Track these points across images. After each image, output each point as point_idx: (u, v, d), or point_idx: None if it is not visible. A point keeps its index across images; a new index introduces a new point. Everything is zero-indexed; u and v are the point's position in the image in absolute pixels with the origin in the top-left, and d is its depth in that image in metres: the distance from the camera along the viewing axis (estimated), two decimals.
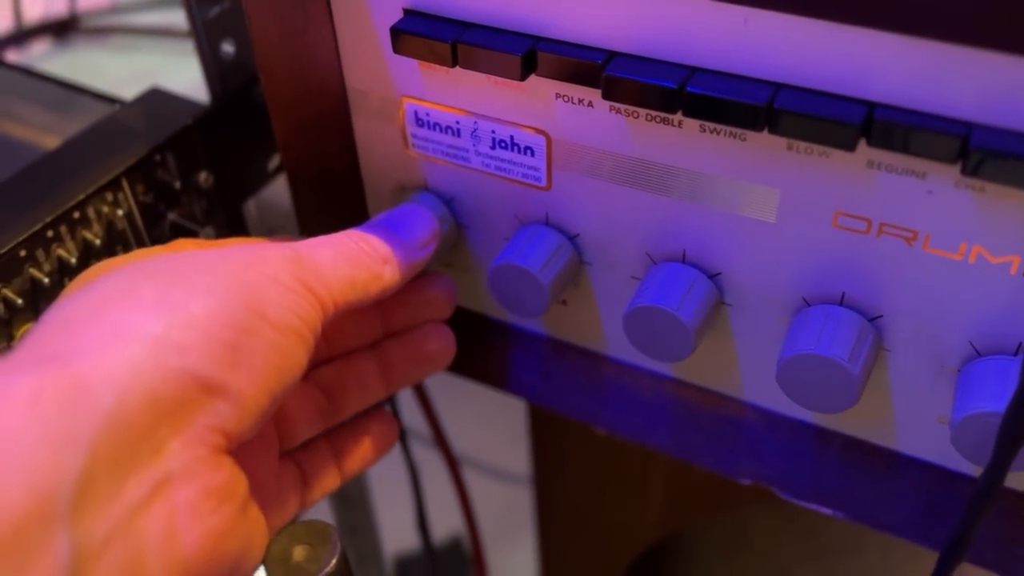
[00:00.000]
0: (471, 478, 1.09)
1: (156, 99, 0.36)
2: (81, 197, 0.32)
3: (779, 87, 0.23)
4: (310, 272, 0.24)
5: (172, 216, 0.35)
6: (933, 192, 0.23)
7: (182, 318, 0.22)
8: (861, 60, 0.22)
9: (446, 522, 0.80)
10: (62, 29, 0.63)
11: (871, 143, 0.22)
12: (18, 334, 0.31)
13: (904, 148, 0.22)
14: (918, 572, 0.55)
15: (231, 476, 0.22)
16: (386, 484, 0.88)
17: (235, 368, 0.22)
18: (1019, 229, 0.22)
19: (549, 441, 0.56)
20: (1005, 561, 0.27)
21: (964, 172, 0.21)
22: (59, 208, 0.31)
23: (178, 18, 0.61)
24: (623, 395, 0.32)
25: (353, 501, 0.72)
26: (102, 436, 0.19)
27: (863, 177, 0.23)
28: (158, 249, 0.28)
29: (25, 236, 0.30)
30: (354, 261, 0.26)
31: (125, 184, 0.33)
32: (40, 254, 0.31)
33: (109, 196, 0.33)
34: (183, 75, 0.53)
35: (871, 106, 0.22)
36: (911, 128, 0.21)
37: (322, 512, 0.96)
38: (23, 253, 0.30)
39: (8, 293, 0.30)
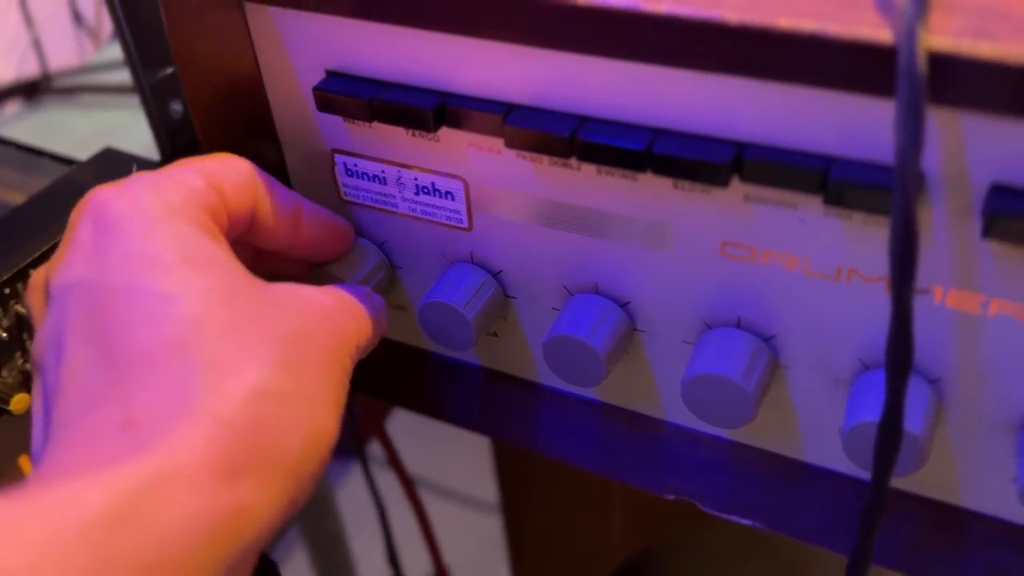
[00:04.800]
0: (451, 512, 1.10)
1: (109, 158, 0.39)
2: (36, 255, 0.34)
3: (658, 132, 0.25)
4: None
5: None
6: (805, 221, 0.25)
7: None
8: (730, 104, 0.24)
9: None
10: (33, 91, 0.66)
11: (743, 179, 0.24)
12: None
13: (772, 182, 0.24)
14: None
15: None
16: (362, 523, 0.89)
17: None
18: (886, 251, 0.24)
19: (513, 470, 0.58)
20: (912, 563, 0.29)
21: (826, 202, 0.23)
22: (15, 266, 0.33)
23: None
24: (556, 420, 0.34)
25: (330, 538, 0.74)
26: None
27: (742, 210, 0.25)
28: (185, 179, 0.25)
29: None
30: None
31: None
32: None
33: None
34: (148, 131, 0.56)
35: (740, 146, 0.24)
36: (776, 164, 0.23)
37: (297, 553, 0.96)
38: None
39: None
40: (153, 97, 0.37)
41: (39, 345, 0.23)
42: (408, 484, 0.56)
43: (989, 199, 0.22)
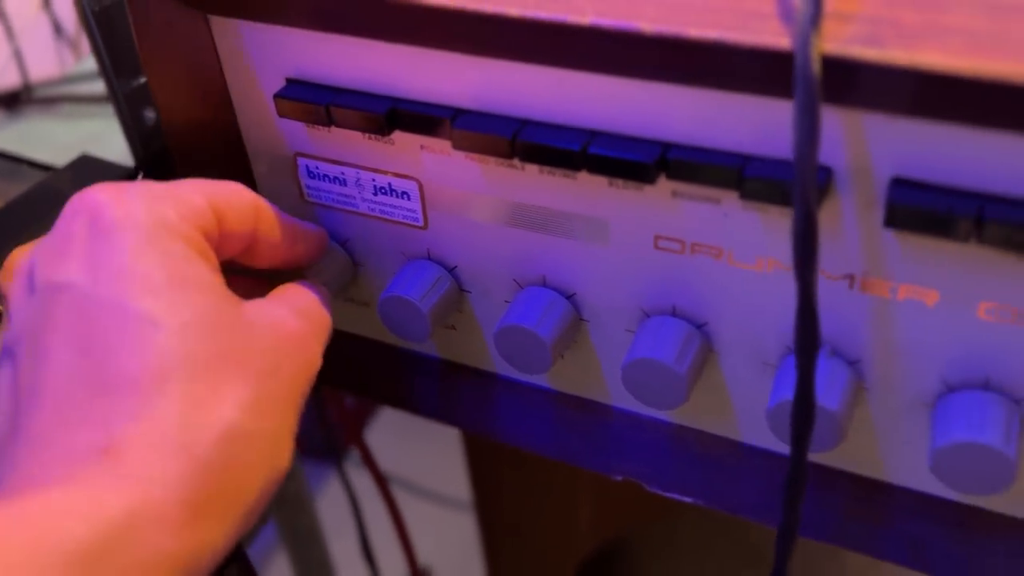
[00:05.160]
0: (433, 513, 1.11)
1: (85, 164, 0.40)
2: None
3: (593, 134, 0.27)
4: None
5: None
6: (728, 215, 0.27)
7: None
8: (655, 108, 0.26)
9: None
10: (13, 101, 0.67)
11: (669, 177, 0.26)
12: None
13: (694, 179, 0.26)
14: (838, 566, 0.58)
15: None
16: (344, 526, 0.91)
17: None
18: None
19: (484, 468, 0.60)
20: (841, 535, 0.31)
21: (742, 197, 0.25)
22: None
23: None
24: (512, 408, 0.36)
25: (310, 539, 0.75)
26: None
27: (671, 205, 0.27)
28: (185, 197, 0.26)
29: None
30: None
31: None
32: None
33: None
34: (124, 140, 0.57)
35: (666, 146, 0.26)
36: (697, 163, 0.25)
37: (277, 556, 0.97)
38: None
39: None
40: (127, 105, 0.39)
41: (13, 331, 0.24)
42: (382, 482, 0.57)
43: (891, 191, 0.24)
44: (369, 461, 0.58)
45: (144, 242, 0.24)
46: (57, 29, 0.78)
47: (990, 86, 0.21)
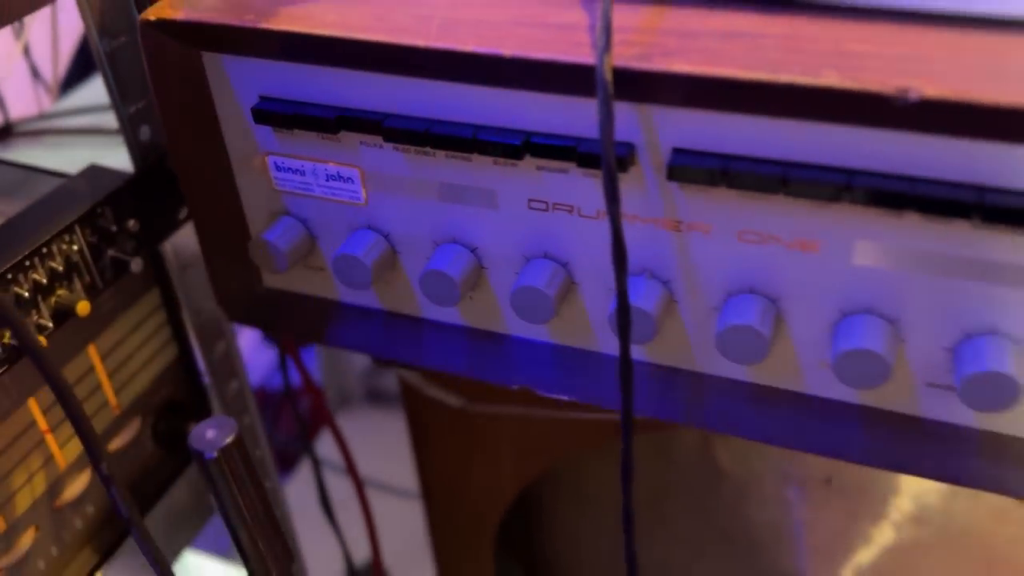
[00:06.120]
0: (410, 506, 1.20)
1: (95, 172, 0.51)
2: (47, 238, 0.46)
3: (479, 127, 0.39)
4: None
5: (111, 252, 0.49)
6: (574, 180, 0.39)
7: None
8: (519, 107, 0.38)
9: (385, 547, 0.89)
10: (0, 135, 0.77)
11: (533, 155, 0.38)
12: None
13: (549, 156, 0.38)
14: (737, 503, 0.70)
15: None
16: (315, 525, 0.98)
17: None
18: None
19: (422, 435, 0.70)
20: (675, 413, 0.43)
21: (579, 166, 0.37)
22: (31, 247, 0.45)
23: (99, 119, 0.75)
24: (436, 342, 0.47)
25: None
26: None
27: (536, 176, 0.39)
28: None
29: (8, 266, 0.44)
30: None
31: (77, 229, 0.47)
32: (21, 277, 0.45)
33: (66, 238, 0.47)
34: (107, 162, 0.67)
35: (528, 134, 0.38)
36: (548, 145, 0.38)
37: None
38: (9, 276, 0.44)
39: None
40: (129, 124, 0.49)
41: None
42: (350, 459, 0.68)
43: (671, 157, 0.36)
44: (339, 439, 0.68)
45: None
46: (35, 72, 0.88)
47: (718, 83, 0.34)
